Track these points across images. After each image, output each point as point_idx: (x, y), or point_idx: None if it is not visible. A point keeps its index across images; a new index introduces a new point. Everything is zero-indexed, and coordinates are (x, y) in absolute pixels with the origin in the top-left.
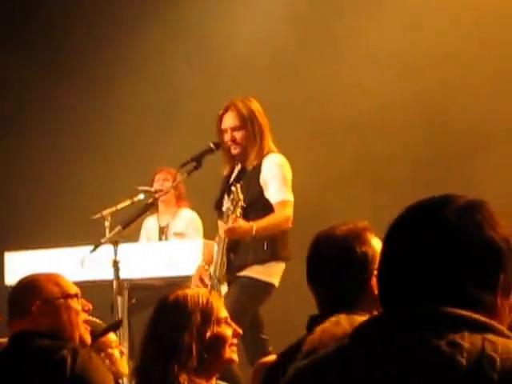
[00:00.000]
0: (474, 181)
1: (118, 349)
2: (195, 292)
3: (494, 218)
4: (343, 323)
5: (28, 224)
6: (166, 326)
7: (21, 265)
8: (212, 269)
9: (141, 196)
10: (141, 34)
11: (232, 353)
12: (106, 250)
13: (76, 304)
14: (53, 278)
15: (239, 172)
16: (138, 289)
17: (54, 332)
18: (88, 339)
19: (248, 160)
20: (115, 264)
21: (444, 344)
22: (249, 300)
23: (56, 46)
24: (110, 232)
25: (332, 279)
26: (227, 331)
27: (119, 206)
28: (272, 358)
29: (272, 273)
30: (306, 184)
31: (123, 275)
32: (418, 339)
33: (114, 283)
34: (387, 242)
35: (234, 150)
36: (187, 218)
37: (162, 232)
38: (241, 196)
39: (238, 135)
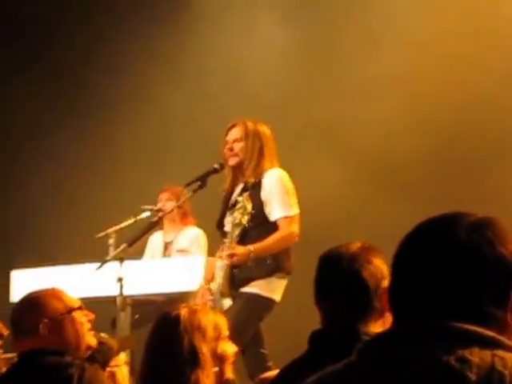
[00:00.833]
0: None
1: (127, 366)
2: (202, 308)
3: (505, 235)
4: None
5: (34, 242)
6: (184, 342)
7: (27, 282)
8: (213, 285)
9: (144, 214)
10: (146, 63)
11: (230, 372)
12: (110, 267)
13: (80, 316)
14: (55, 294)
15: (241, 190)
16: (140, 305)
17: (61, 349)
18: (94, 343)
19: (245, 176)
20: (120, 281)
21: (453, 359)
22: (251, 316)
23: (67, 74)
24: (114, 249)
25: (341, 300)
26: (230, 349)
27: (123, 225)
28: (273, 373)
29: (274, 288)
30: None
31: (126, 291)
32: (427, 354)
33: (118, 299)
34: (398, 259)
35: (231, 161)
36: (192, 236)
37: (166, 248)
38: (248, 204)
39: (237, 146)
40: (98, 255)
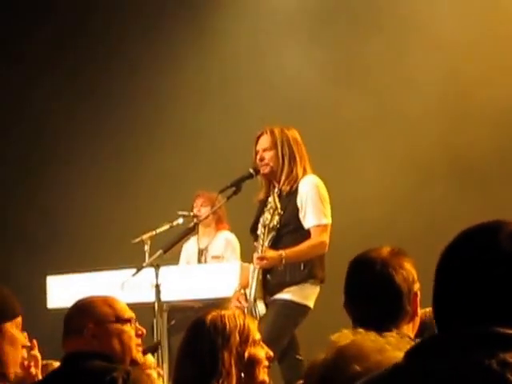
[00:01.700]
0: None
1: (156, 370)
2: (231, 313)
3: None
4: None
5: (70, 248)
6: (206, 345)
7: (63, 288)
8: (248, 291)
9: (180, 220)
10: (169, 71)
11: (265, 374)
12: (146, 273)
13: (129, 329)
14: (108, 301)
15: (277, 195)
16: (177, 310)
17: (105, 354)
18: (140, 359)
19: (279, 184)
20: (157, 287)
21: (495, 363)
22: (285, 323)
23: (89, 86)
24: (149, 255)
25: (371, 306)
26: (261, 353)
27: (158, 230)
28: None
29: (308, 295)
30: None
31: (163, 297)
32: (469, 359)
33: (156, 306)
34: (441, 266)
35: (263, 170)
36: (225, 241)
37: (201, 254)
38: (278, 204)
39: (267, 155)
40: (134, 261)
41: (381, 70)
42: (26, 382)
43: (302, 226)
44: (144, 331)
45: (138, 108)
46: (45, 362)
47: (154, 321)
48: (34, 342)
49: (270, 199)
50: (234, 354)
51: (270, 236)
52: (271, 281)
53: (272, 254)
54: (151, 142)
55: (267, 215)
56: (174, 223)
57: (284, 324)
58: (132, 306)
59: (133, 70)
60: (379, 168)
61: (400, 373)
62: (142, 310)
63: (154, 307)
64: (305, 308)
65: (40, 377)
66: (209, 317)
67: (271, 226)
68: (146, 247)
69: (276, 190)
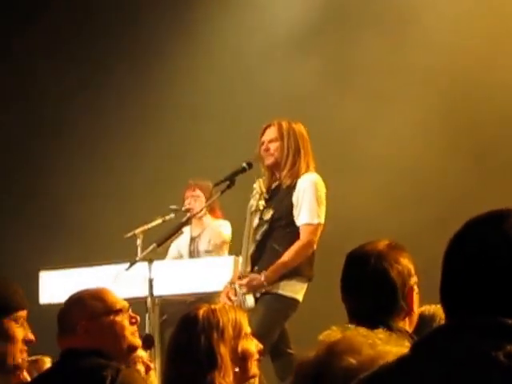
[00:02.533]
0: None
1: (145, 364)
2: (222, 306)
3: None
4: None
5: (62, 243)
6: (202, 340)
7: (56, 283)
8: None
9: (172, 215)
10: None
11: (256, 368)
12: (139, 267)
13: (121, 318)
14: (97, 294)
15: (274, 188)
16: (168, 305)
17: (100, 350)
18: (137, 344)
19: (281, 177)
20: (150, 282)
21: (501, 355)
22: (276, 316)
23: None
24: (142, 250)
25: (365, 299)
26: (253, 346)
27: (151, 225)
28: None
29: (296, 290)
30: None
31: (155, 292)
32: (476, 350)
33: (149, 300)
34: (449, 256)
35: (267, 161)
36: (217, 227)
37: (193, 242)
38: (263, 189)
39: (272, 146)
40: (127, 256)
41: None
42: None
43: (293, 223)
44: (138, 318)
45: (134, 100)
46: (34, 357)
47: (147, 315)
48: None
49: (255, 185)
50: (229, 347)
51: (261, 229)
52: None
53: (253, 277)
54: (146, 134)
55: (253, 201)
56: (167, 218)
57: (274, 318)
58: (121, 299)
59: (132, 63)
60: (381, 171)
61: (408, 364)
62: (135, 305)
63: (146, 302)
64: (294, 301)
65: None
66: (201, 311)
67: (265, 219)
68: (139, 241)
69: (275, 184)
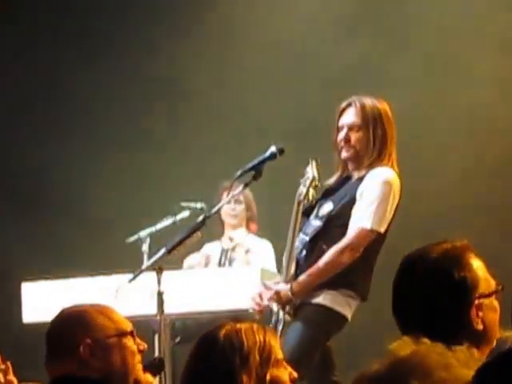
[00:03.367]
0: None
1: None
2: (249, 326)
3: None
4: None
5: (50, 248)
6: (221, 367)
7: (42, 298)
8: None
9: (185, 213)
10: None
11: None
12: (145, 278)
13: (132, 344)
14: (105, 312)
15: (343, 179)
16: (183, 325)
17: (104, 377)
18: (143, 379)
19: (359, 169)
20: (159, 296)
21: None
22: (316, 332)
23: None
24: (148, 257)
25: (424, 310)
26: (285, 375)
27: (159, 226)
28: None
29: (342, 303)
30: None
31: (166, 309)
32: None
33: (158, 318)
34: None
35: (346, 153)
36: (260, 247)
37: (225, 256)
38: (316, 174)
39: (354, 136)
40: (130, 265)
41: None
42: None
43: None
44: (146, 346)
45: (150, 89)
46: None
47: (155, 337)
48: (8, 364)
49: (308, 168)
50: (254, 376)
51: (315, 226)
52: None
53: (282, 295)
54: (150, 128)
55: (302, 188)
56: (178, 217)
57: (314, 334)
58: (128, 320)
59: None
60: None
61: None
62: (141, 325)
63: (154, 320)
64: (339, 316)
65: None
66: (222, 332)
67: (320, 214)
68: (144, 247)
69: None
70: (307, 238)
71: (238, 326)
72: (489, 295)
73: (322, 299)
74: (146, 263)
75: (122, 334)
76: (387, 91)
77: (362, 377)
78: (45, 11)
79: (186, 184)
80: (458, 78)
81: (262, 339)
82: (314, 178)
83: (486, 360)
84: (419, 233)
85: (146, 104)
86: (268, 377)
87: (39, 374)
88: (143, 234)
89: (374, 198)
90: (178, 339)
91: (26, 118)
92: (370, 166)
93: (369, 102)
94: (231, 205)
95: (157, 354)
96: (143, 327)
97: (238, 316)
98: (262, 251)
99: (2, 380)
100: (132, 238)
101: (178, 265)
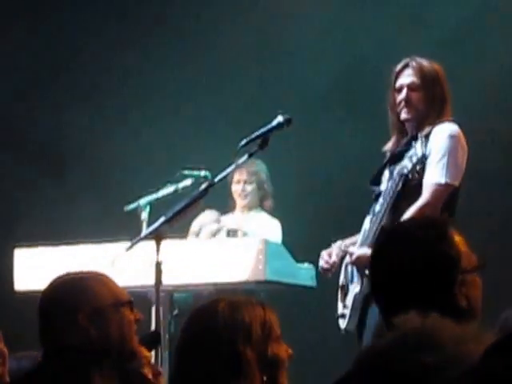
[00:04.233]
0: None
1: (152, 368)
2: (248, 301)
3: None
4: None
5: (43, 212)
6: (224, 341)
7: (35, 265)
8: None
9: (188, 181)
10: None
11: (285, 378)
12: (144, 247)
13: (129, 313)
14: (102, 280)
15: (408, 141)
16: (181, 297)
17: (102, 348)
18: (139, 351)
19: (421, 129)
20: (157, 266)
21: None
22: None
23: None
24: (147, 226)
25: (406, 286)
26: (283, 351)
27: (160, 194)
28: None
29: None
30: None
31: (165, 280)
32: None
33: (155, 290)
34: None
35: (406, 114)
36: (268, 226)
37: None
38: (419, 152)
39: (415, 96)
40: (128, 233)
41: None
42: None
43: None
44: (142, 316)
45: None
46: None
47: (153, 309)
48: None
49: (418, 145)
50: (258, 352)
51: (391, 189)
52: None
53: (361, 253)
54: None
55: (406, 162)
56: (180, 185)
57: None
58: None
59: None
60: None
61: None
62: (137, 296)
63: (152, 292)
64: None
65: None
66: (220, 306)
67: (395, 177)
68: (144, 215)
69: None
70: (384, 201)
71: (235, 300)
72: (471, 271)
73: None
74: (145, 231)
75: (120, 303)
76: None
77: (366, 353)
78: None
79: (192, 151)
80: None
81: (262, 314)
82: (423, 156)
83: (497, 338)
84: None
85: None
86: (270, 353)
87: (31, 345)
88: (143, 201)
89: (443, 152)
90: (176, 312)
91: None
92: (433, 124)
93: (424, 62)
94: (241, 185)
95: (153, 326)
96: (140, 299)
97: (238, 290)
98: (268, 229)
99: None
100: (131, 206)
101: (180, 233)
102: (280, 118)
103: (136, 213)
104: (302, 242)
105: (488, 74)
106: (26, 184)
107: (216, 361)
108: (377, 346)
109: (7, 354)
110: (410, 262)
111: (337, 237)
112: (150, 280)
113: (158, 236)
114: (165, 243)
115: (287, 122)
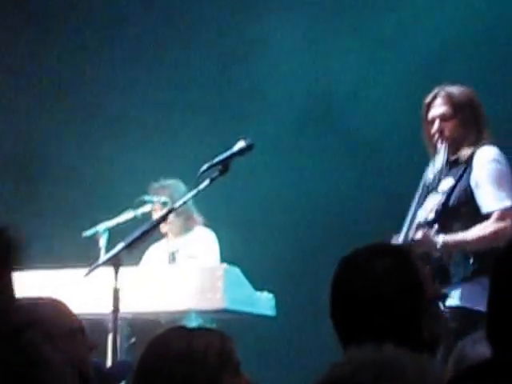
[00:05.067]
0: None
1: None
2: (205, 329)
3: None
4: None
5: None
6: (174, 368)
7: None
8: None
9: (147, 207)
10: None
11: None
12: (101, 274)
13: (82, 340)
14: (55, 304)
15: (451, 163)
16: (138, 325)
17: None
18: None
19: (457, 151)
20: (115, 293)
21: None
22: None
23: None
24: (106, 252)
25: (374, 314)
26: (243, 382)
27: (119, 220)
28: None
29: (477, 296)
30: None
31: (122, 307)
32: None
33: (112, 317)
34: (494, 282)
35: (441, 145)
36: (200, 237)
37: (173, 259)
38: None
39: (448, 126)
40: (85, 259)
41: None
42: None
43: (476, 211)
44: (96, 345)
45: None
46: None
47: (109, 337)
48: None
49: (441, 152)
50: (212, 381)
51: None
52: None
53: (427, 237)
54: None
55: (431, 171)
56: (139, 211)
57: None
58: (80, 318)
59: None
60: None
61: None
62: (94, 324)
63: (109, 319)
64: (477, 316)
65: None
66: (176, 334)
67: (442, 190)
68: (102, 242)
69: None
70: (430, 214)
71: (193, 328)
72: (434, 301)
73: (456, 300)
74: (103, 257)
75: (74, 330)
76: None
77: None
78: None
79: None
80: None
81: (219, 343)
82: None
83: (455, 373)
84: None
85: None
86: (225, 382)
87: None
88: (101, 227)
89: (491, 178)
90: (133, 340)
91: None
92: (473, 148)
93: (454, 89)
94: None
95: (110, 354)
96: (97, 326)
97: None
98: (206, 245)
99: None
100: (89, 232)
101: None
102: (242, 144)
103: (94, 238)
104: (260, 269)
105: None
106: None
107: None
108: (333, 377)
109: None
110: (379, 292)
111: (297, 266)
112: (108, 307)
113: (116, 262)
114: (122, 270)
115: (249, 147)
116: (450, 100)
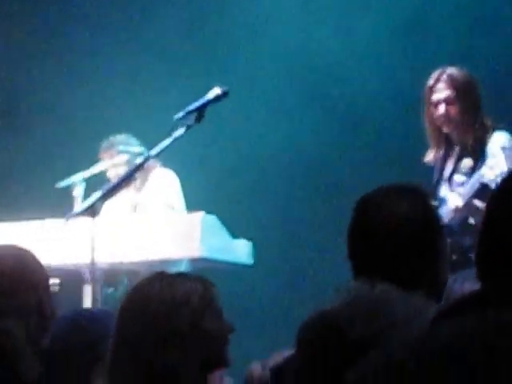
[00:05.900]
0: None
1: None
2: (186, 275)
3: None
4: None
5: None
6: (157, 314)
7: None
8: None
9: (123, 157)
10: None
11: (225, 354)
12: (77, 223)
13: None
14: (21, 257)
15: (461, 152)
16: (115, 275)
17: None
18: None
19: (464, 140)
20: (91, 242)
21: None
22: None
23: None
24: (81, 202)
25: (390, 254)
26: (225, 327)
27: (95, 170)
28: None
29: None
30: None
31: (99, 258)
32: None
33: (89, 268)
34: (488, 213)
35: (447, 128)
36: (159, 177)
37: (135, 210)
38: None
39: (453, 109)
40: (60, 210)
41: None
42: None
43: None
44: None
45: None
46: None
47: (84, 288)
48: None
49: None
50: (194, 325)
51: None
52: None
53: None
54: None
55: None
56: (117, 160)
57: None
58: (56, 269)
59: None
60: None
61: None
62: (70, 275)
63: (85, 270)
64: None
65: None
66: (157, 281)
67: (464, 170)
68: (78, 191)
69: (456, 149)
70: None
71: (174, 274)
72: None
73: None
74: (80, 206)
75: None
76: None
77: (320, 315)
78: None
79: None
80: None
81: (201, 287)
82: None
83: (439, 308)
84: None
85: None
86: (207, 326)
87: None
88: (77, 177)
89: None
90: (110, 290)
91: None
92: (482, 135)
93: (455, 71)
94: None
95: (87, 304)
96: (73, 276)
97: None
98: (165, 186)
99: None
100: (64, 183)
101: None
102: (217, 90)
103: (67, 190)
104: (238, 217)
105: None
106: None
107: (153, 337)
108: (326, 312)
109: None
110: (396, 232)
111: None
112: (84, 258)
113: (93, 212)
114: (99, 220)
115: (224, 94)
116: (453, 83)
